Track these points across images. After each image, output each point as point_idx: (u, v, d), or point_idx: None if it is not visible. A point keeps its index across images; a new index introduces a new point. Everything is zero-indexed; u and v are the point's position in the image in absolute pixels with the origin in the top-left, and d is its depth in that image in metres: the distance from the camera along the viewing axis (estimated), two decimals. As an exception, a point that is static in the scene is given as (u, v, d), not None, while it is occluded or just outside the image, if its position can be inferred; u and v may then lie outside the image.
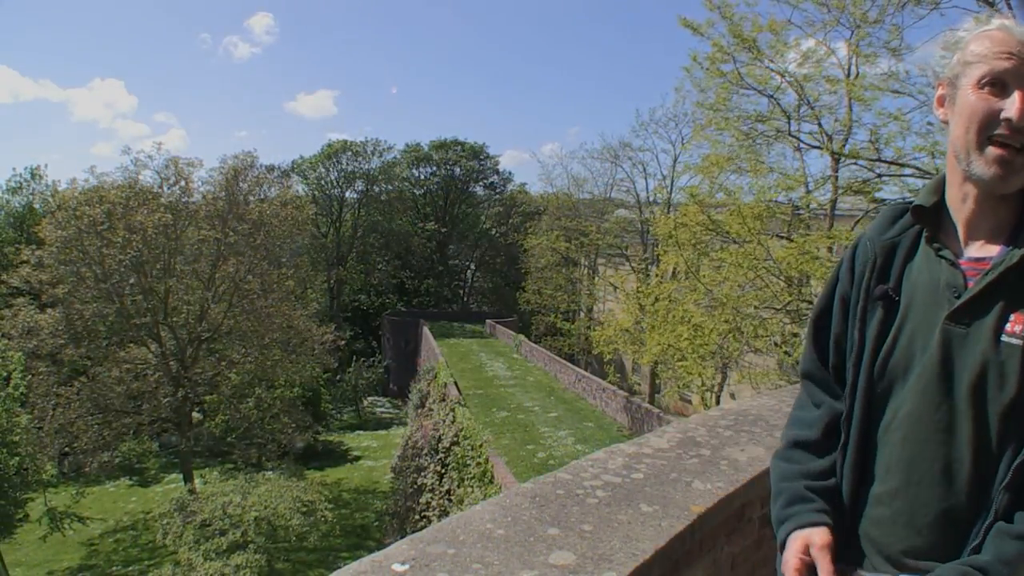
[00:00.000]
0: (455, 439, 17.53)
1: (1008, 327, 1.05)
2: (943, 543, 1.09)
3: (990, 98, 1.09)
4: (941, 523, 1.09)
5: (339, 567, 1.40)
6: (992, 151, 1.08)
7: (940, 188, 1.22)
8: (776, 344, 12.46)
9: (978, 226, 1.15)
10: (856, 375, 1.21)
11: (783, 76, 11.89)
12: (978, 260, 1.13)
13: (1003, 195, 1.12)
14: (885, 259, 1.22)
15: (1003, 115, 1.07)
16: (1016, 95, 1.06)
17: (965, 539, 1.06)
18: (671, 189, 28.27)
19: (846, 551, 1.20)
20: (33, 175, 37.71)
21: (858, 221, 11.64)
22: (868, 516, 1.18)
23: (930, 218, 1.20)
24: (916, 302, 1.16)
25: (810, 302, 11.36)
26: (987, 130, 1.08)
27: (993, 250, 1.12)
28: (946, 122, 1.18)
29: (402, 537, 1.67)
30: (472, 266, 56.48)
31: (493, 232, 54.75)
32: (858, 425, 1.20)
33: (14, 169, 59.39)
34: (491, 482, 14.38)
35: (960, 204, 1.17)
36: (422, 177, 54.09)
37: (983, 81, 1.10)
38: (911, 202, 1.24)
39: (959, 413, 1.07)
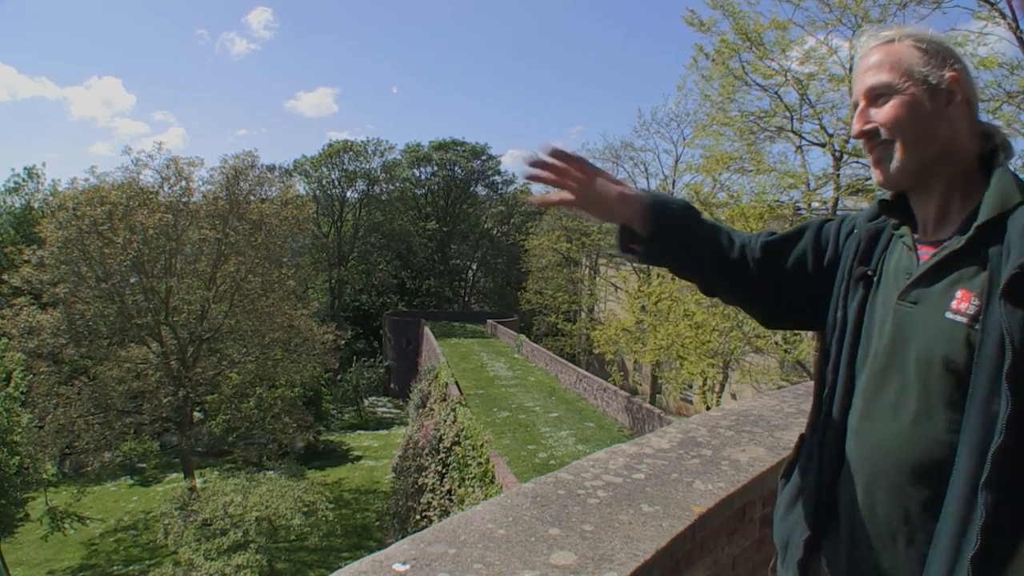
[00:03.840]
0: (456, 439, 17.53)
1: (953, 304, 1.07)
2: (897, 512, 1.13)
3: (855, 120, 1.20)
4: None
5: (340, 567, 1.40)
6: (870, 159, 1.19)
7: None
8: (777, 344, 12.46)
9: (928, 214, 1.20)
10: (839, 352, 1.26)
11: (785, 74, 11.90)
12: (932, 243, 1.18)
13: (929, 185, 1.17)
14: (868, 243, 1.28)
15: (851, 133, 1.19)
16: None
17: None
18: (672, 189, 28.31)
19: (826, 523, 1.23)
20: (30, 175, 37.75)
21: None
22: (840, 486, 1.22)
23: (897, 209, 1.26)
24: (884, 285, 1.22)
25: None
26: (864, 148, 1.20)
27: (947, 234, 1.16)
28: None
29: (403, 537, 1.67)
30: (473, 266, 56.50)
31: (494, 232, 54.78)
32: (839, 401, 1.24)
33: (12, 169, 59.60)
34: (492, 482, 14.38)
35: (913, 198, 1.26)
36: (423, 177, 54.15)
37: (852, 105, 1.22)
38: None
39: (907, 391, 1.11)
